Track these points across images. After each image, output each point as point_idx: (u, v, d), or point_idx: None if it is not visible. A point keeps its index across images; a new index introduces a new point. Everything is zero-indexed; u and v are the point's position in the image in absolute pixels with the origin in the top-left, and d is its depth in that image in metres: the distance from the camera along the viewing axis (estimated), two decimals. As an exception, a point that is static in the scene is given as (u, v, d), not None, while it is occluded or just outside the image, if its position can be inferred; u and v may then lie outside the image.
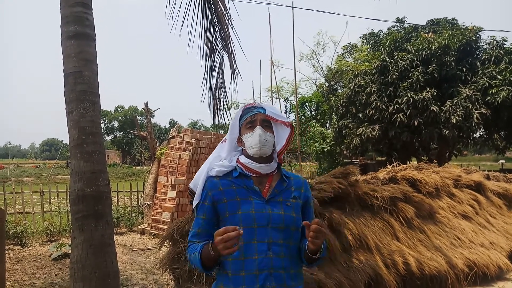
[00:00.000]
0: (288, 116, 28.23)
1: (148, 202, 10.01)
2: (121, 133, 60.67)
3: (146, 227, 9.39)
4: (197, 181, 1.92)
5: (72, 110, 3.56)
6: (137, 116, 44.39)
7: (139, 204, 10.81)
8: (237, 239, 1.50)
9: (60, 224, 9.14)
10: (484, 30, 13.40)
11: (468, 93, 11.90)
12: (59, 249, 7.20)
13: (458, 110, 11.77)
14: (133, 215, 10.44)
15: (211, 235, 1.73)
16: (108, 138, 60.84)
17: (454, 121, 11.66)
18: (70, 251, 5.87)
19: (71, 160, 3.64)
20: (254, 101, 15.11)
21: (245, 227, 1.68)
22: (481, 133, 13.82)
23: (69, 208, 7.98)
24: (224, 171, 1.86)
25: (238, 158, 1.89)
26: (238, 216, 1.74)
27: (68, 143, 3.87)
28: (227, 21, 4.85)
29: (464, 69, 12.66)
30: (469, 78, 12.60)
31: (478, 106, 11.82)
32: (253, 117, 1.84)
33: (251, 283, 1.69)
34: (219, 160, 1.92)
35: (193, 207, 1.91)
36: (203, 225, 1.82)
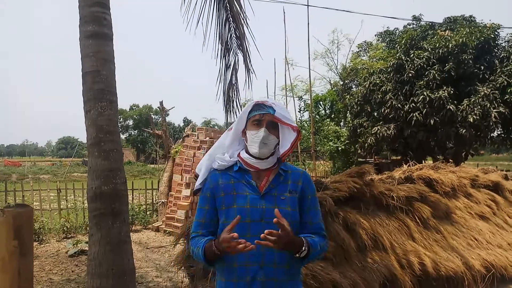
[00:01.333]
0: (302, 114, 28.19)
1: (163, 200, 10.08)
2: (136, 131, 61.21)
3: (161, 225, 9.47)
4: (201, 166, 1.99)
5: (90, 109, 3.61)
6: (152, 115, 44.76)
7: (154, 202, 10.91)
8: (242, 242, 1.59)
9: (76, 221, 9.27)
10: (503, 27, 13.16)
11: (486, 91, 11.70)
12: (75, 245, 7.30)
13: (475, 109, 11.59)
14: (148, 213, 10.54)
15: (214, 225, 1.87)
16: (123, 137, 61.42)
17: (471, 120, 11.49)
18: (86, 248, 5.95)
19: (88, 158, 3.69)
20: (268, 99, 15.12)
21: (239, 222, 1.72)
22: (499, 132, 13.58)
23: (85, 205, 8.08)
24: (225, 166, 1.92)
25: (239, 153, 1.94)
26: (232, 209, 1.80)
27: (83, 141, 3.94)
28: (242, 20, 4.86)
29: (482, 67, 12.44)
30: (487, 76, 12.38)
31: (496, 105, 11.61)
32: (262, 116, 1.85)
33: (242, 275, 1.75)
34: (222, 149, 1.98)
35: (195, 189, 1.99)
36: (205, 215, 1.89)
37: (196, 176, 2.01)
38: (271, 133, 1.84)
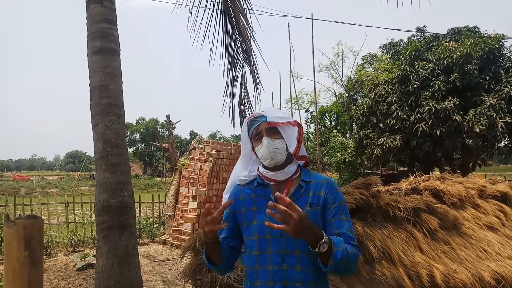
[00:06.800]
0: (308, 126, 28.21)
1: (170, 213, 10.11)
2: (143, 145, 61.51)
3: (168, 238, 9.47)
4: (226, 189, 1.97)
5: (97, 123, 3.66)
6: (158, 128, 45.08)
7: (161, 215, 10.93)
8: (216, 217, 1.57)
9: (84, 234, 9.31)
10: (508, 37, 13.17)
11: (492, 101, 11.68)
12: (83, 259, 7.32)
13: (481, 119, 11.55)
14: (155, 225, 10.55)
15: (233, 240, 1.83)
16: (130, 150, 61.65)
17: (477, 130, 11.44)
18: (94, 261, 5.96)
19: (96, 172, 3.73)
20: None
21: (259, 238, 1.71)
22: (506, 142, 13.50)
23: (93, 219, 8.10)
24: (247, 180, 1.88)
25: (258, 168, 1.88)
26: (253, 226, 1.74)
27: (91, 155, 3.98)
28: (249, 35, 4.92)
29: (487, 78, 12.43)
30: (492, 86, 12.37)
31: (502, 115, 11.57)
32: (258, 129, 1.82)
33: None
34: (242, 171, 1.94)
35: None
36: (225, 231, 1.84)
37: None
38: (274, 138, 1.78)
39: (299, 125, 1.83)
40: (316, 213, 1.72)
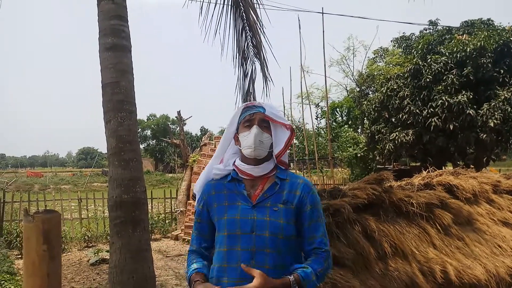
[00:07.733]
0: (319, 121, 28.11)
1: (182, 209, 10.16)
2: (154, 141, 61.86)
3: (180, 233, 9.53)
4: (198, 184, 1.95)
5: (110, 119, 3.69)
6: (169, 124, 45.32)
7: (173, 210, 10.99)
8: None
9: (97, 230, 9.41)
10: (523, 30, 12.94)
11: (506, 95, 11.50)
12: (96, 254, 7.40)
13: (496, 113, 11.39)
14: (167, 221, 10.63)
15: (206, 239, 1.82)
16: (141, 146, 62.05)
17: (492, 124, 11.28)
18: (107, 257, 6.01)
19: (109, 168, 3.76)
20: (284, 107, 15.10)
21: (229, 234, 1.68)
22: (521, 137, 13.31)
23: (106, 214, 8.16)
24: (221, 175, 1.85)
25: (235, 161, 1.85)
26: (223, 221, 1.72)
27: (103, 152, 4.02)
28: (259, 29, 4.91)
29: (502, 71, 12.23)
30: (507, 80, 12.17)
31: (517, 109, 11.40)
32: (252, 116, 1.79)
33: None
34: (218, 159, 1.92)
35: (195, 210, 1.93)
36: (198, 228, 1.84)
37: (194, 197, 1.95)
38: (264, 131, 1.76)
39: (292, 131, 1.81)
40: (289, 211, 1.71)
